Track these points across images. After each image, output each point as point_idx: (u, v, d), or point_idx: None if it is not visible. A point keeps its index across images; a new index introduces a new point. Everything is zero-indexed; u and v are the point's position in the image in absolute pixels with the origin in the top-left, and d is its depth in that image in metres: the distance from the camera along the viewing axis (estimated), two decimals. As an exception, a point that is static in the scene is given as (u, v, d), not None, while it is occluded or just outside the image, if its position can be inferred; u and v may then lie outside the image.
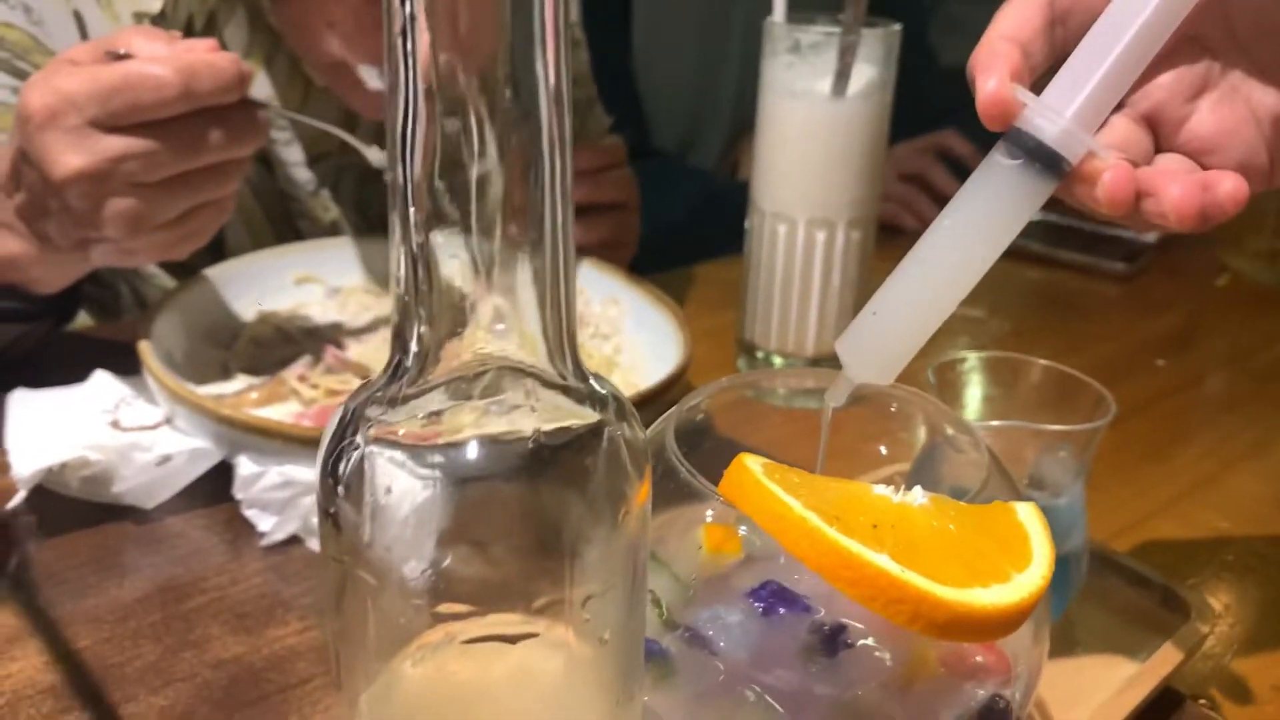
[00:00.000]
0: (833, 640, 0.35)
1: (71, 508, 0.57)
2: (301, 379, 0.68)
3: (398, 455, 0.26)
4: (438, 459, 0.26)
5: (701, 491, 0.37)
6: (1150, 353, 0.90)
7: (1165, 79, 0.40)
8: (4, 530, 0.56)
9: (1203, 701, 0.49)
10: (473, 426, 0.27)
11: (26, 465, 0.55)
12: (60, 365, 0.64)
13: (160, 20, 0.74)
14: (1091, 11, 0.38)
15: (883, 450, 0.48)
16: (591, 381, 0.29)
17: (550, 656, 0.28)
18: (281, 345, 0.73)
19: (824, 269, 0.74)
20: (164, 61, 0.56)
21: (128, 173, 0.56)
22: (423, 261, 0.26)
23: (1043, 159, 0.37)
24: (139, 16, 0.74)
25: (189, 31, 0.76)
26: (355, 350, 0.74)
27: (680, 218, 1.22)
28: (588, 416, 0.28)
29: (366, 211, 0.91)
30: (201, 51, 0.58)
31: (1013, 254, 0.39)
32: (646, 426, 0.30)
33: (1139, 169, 0.38)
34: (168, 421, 0.61)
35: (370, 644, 0.28)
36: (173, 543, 0.57)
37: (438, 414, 0.27)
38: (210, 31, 0.77)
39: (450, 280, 0.26)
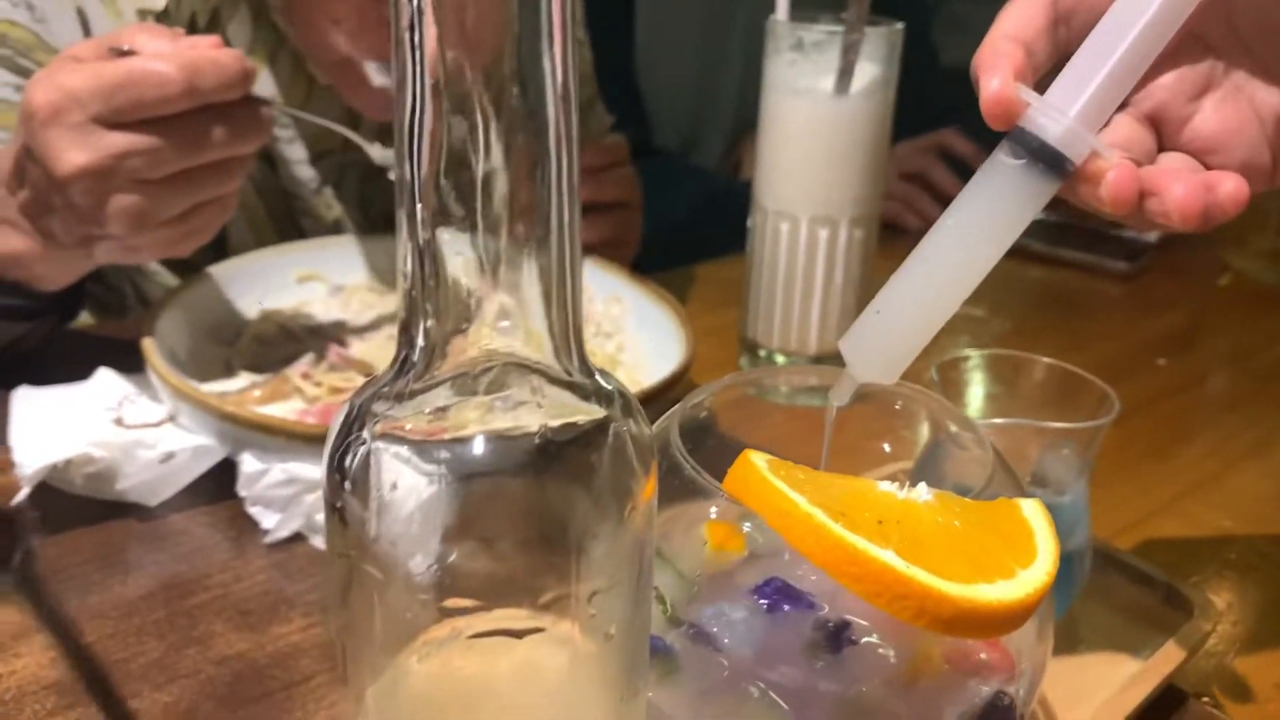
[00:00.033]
0: (837, 637, 0.35)
1: (75, 504, 0.57)
2: (305, 376, 0.68)
3: (404, 451, 0.26)
4: (444, 454, 0.26)
5: (706, 488, 0.37)
6: (1152, 352, 0.90)
7: (1168, 78, 0.40)
8: (8, 526, 0.56)
9: (1205, 699, 0.49)
10: (479, 422, 0.27)
11: (31, 462, 0.55)
12: (64, 363, 0.64)
13: (164, 17, 0.74)
14: (1094, 11, 0.38)
15: (886, 448, 0.48)
16: (597, 377, 0.29)
17: (556, 652, 0.28)
18: (285, 343, 0.73)
19: (826, 267, 0.74)
20: (168, 58, 0.56)
21: (131, 169, 0.56)
22: (430, 257, 0.26)
23: (1046, 159, 0.38)
24: (143, 13, 0.74)
25: (192, 28, 0.76)
26: (358, 348, 0.74)
27: (682, 217, 1.22)
28: (594, 412, 0.28)
29: (369, 209, 0.91)
30: (205, 48, 0.58)
31: (1014, 253, 0.39)
32: (650, 424, 0.30)
33: (1142, 168, 0.38)
34: (171, 419, 0.61)
35: (376, 639, 0.28)
36: (176, 540, 0.57)
37: (444, 409, 0.27)
38: (214, 28, 0.77)
39: (457, 276, 0.26)
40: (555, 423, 0.27)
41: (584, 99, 1.01)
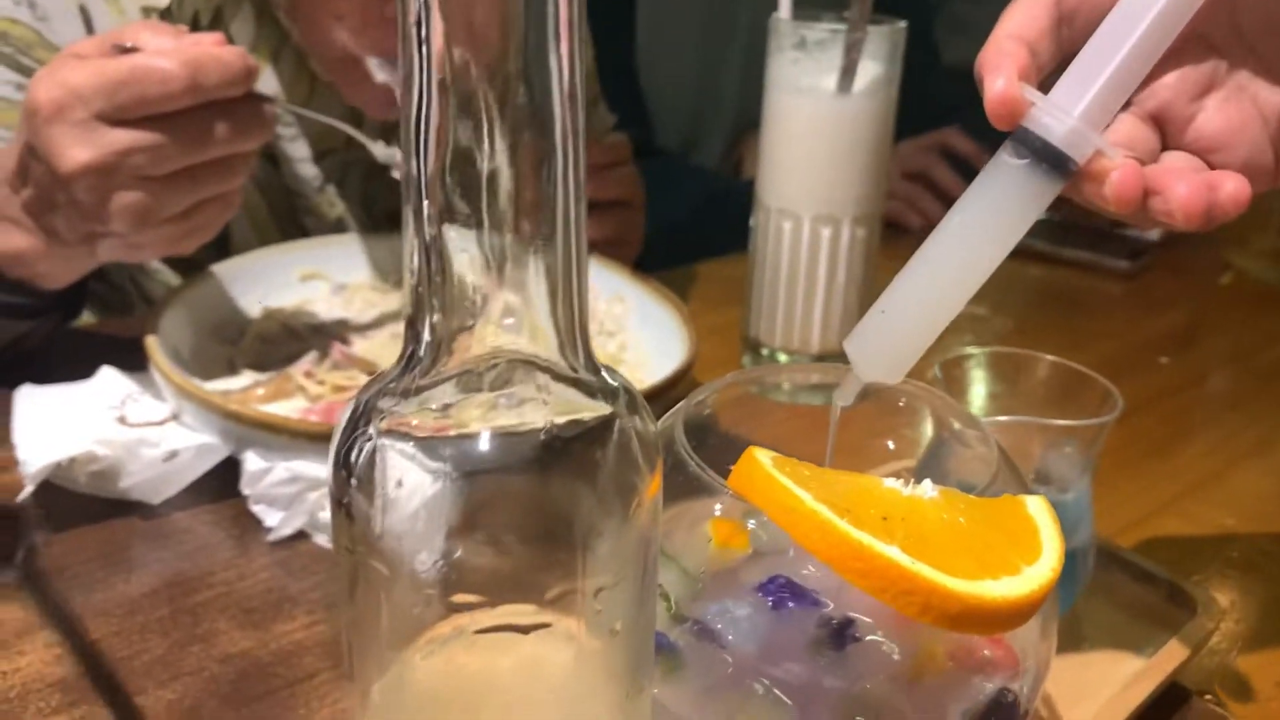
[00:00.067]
0: (841, 634, 0.35)
1: (79, 503, 0.57)
2: (308, 375, 0.69)
3: (409, 447, 0.26)
4: (449, 451, 0.26)
5: (710, 485, 0.37)
6: (1154, 350, 0.90)
7: (1172, 77, 0.40)
8: (12, 524, 0.56)
9: (1208, 697, 0.49)
10: (484, 419, 0.27)
11: (34, 460, 0.56)
12: (67, 361, 0.64)
13: (167, 15, 0.74)
14: (1098, 11, 0.38)
15: (890, 445, 0.48)
16: (603, 374, 0.29)
17: (561, 648, 0.28)
18: (288, 341, 0.73)
19: (829, 266, 0.74)
20: (171, 55, 0.56)
21: (134, 166, 0.56)
22: (436, 253, 0.26)
23: (1050, 158, 0.38)
24: (146, 11, 0.74)
25: (195, 26, 0.76)
26: (361, 346, 0.74)
27: (684, 216, 1.22)
28: (599, 409, 0.28)
29: (372, 207, 0.91)
30: (208, 45, 0.58)
31: (1017, 251, 0.39)
32: (653, 422, 0.30)
33: (1145, 167, 0.38)
34: (174, 417, 0.61)
35: (382, 634, 0.28)
36: (180, 538, 0.57)
37: (449, 406, 0.27)
38: (217, 26, 0.77)
39: (463, 273, 0.26)
40: (560, 419, 0.27)
41: (588, 98, 1.01)
